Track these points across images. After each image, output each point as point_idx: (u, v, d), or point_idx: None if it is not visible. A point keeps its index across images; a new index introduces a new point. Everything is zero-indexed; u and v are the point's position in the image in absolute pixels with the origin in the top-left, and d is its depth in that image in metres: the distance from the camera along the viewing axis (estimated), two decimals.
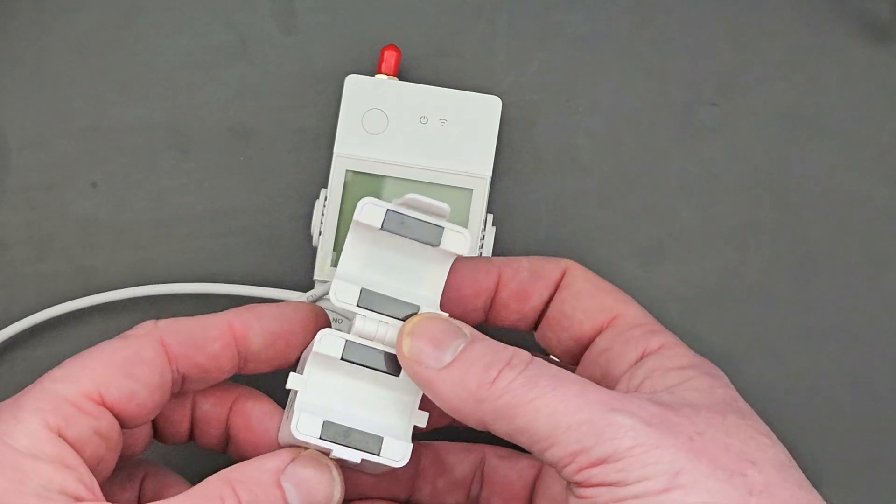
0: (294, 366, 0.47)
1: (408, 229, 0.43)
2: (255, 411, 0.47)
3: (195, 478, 0.44)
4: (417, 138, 0.52)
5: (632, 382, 0.44)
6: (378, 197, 0.44)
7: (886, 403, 0.54)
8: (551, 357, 0.49)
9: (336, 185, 0.51)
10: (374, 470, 0.46)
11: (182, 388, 0.46)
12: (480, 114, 0.52)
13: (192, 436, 0.48)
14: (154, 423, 0.47)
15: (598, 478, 0.39)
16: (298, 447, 0.44)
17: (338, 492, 0.44)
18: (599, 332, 0.47)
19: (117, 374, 0.43)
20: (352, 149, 0.52)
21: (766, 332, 0.54)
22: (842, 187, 0.54)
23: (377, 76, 0.52)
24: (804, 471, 0.43)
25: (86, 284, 0.53)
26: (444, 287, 0.45)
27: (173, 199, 0.53)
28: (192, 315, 0.46)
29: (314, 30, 0.54)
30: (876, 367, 0.54)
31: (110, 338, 0.45)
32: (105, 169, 0.54)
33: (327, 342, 0.44)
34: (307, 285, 0.52)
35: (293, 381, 0.44)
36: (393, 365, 0.44)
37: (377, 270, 0.45)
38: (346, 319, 0.49)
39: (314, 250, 0.52)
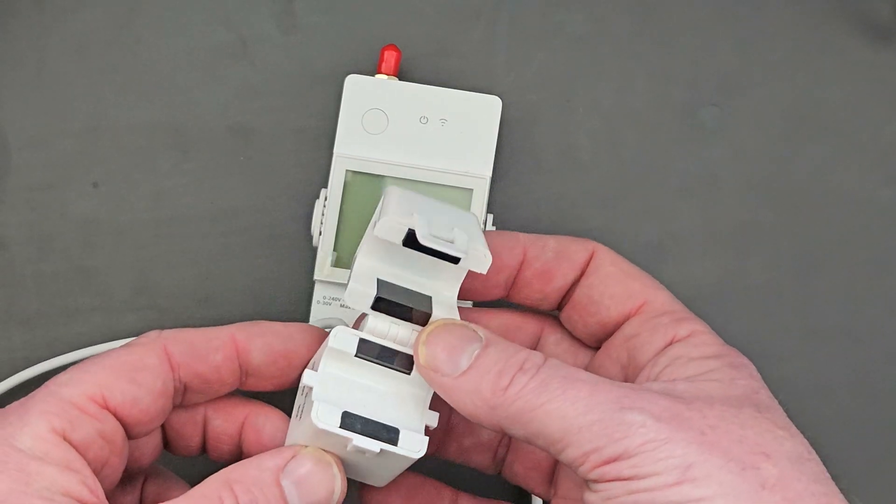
0: (296, 386, 0.47)
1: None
2: (266, 426, 0.47)
3: (197, 480, 0.44)
4: (417, 138, 0.52)
5: (654, 370, 0.44)
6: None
7: (887, 404, 0.54)
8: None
9: (336, 185, 0.51)
10: (379, 481, 0.46)
11: (184, 399, 0.46)
12: (480, 114, 0.52)
13: (204, 448, 0.48)
14: (165, 436, 0.47)
15: (612, 474, 0.40)
16: (299, 446, 0.44)
17: (339, 488, 0.43)
18: (627, 318, 0.47)
19: (120, 379, 0.44)
20: (352, 149, 0.52)
21: (766, 332, 0.54)
22: (842, 187, 0.54)
23: (377, 76, 0.52)
24: None
25: (86, 284, 0.53)
26: None
27: (173, 199, 0.54)
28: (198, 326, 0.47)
29: (314, 30, 0.54)
30: (876, 368, 0.54)
31: (111, 339, 0.45)
32: (105, 169, 0.54)
33: (341, 338, 0.44)
34: (307, 285, 0.52)
35: (308, 377, 0.44)
36: (405, 362, 0.44)
37: (393, 267, 0.45)
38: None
39: (314, 250, 0.52)
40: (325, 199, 0.51)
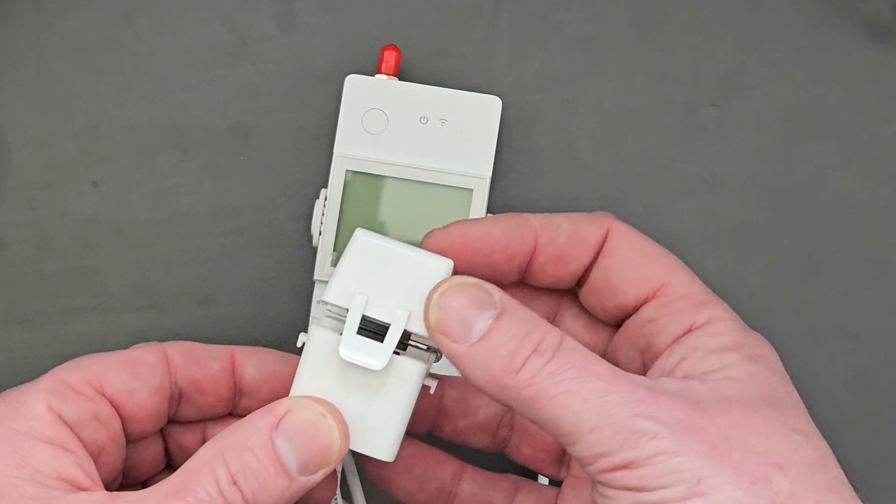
0: None
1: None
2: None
3: None
4: (417, 138, 0.52)
5: (670, 360, 0.43)
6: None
7: (887, 404, 0.54)
8: None
9: (336, 185, 0.51)
10: (384, 446, 0.44)
11: (179, 410, 0.46)
12: (480, 114, 0.52)
13: None
14: (169, 454, 0.47)
15: (621, 481, 0.39)
16: (293, 399, 0.43)
17: (337, 440, 0.42)
18: (644, 302, 0.45)
19: (119, 370, 0.44)
20: (352, 149, 0.52)
21: (766, 332, 0.54)
22: (842, 187, 0.54)
23: (377, 76, 0.52)
24: None
25: (86, 284, 0.53)
26: (475, 251, 0.44)
27: (173, 199, 0.53)
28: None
29: (314, 30, 0.54)
30: (876, 368, 0.54)
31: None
32: (105, 169, 0.54)
33: (321, 337, 0.43)
34: (307, 285, 0.52)
35: (302, 338, 0.43)
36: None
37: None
38: None
39: (314, 250, 0.52)
40: (325, 199, 0.51)
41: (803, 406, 0.42)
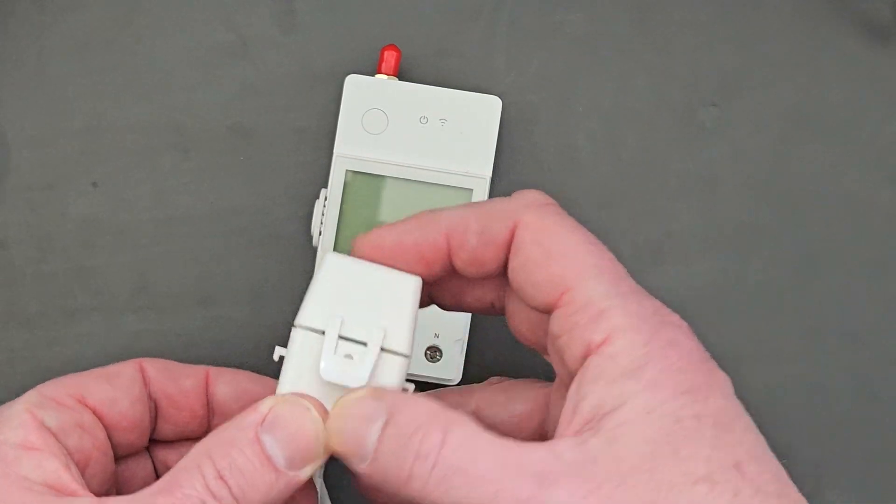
0: None
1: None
2: None
3: None
4: (417, 138, 0.52)
5: (573, 399, 0.40)
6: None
7: (887, 404, 0.54)
8: None
9: (336, 185, 0.51)
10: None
11: (157, 427, 0.46)
12: (480, 114, 0.52)
13: None
14: (157, 475, 0.47)
15: None
16: (279, 397, 0.42)
17: (322, 433, 0.41)
18: (553, 309, 0.41)
19: (98, 381, 0.45)
20: (352, 149, 0.52)
21: (766, 332, 0.54)
22: (842, 187, 0.54)
23: (377, 76, 0.52)
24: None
25: (86, 284, 0.53)
26: (394, 258, 0.43)
27: (173, 199, 0.53)
28: None
29: (314, 30, 0.54)
30: (877, 368, 0.54)
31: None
32: (105, 169, 0.54)
33: (302, 341, 0.43)
34: (307, 285, 0.52)
35: (279, 351, 0.43)
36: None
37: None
38: None
39: (314, 250, 0.52)
40: (325, 199, 0.51)
41: (712, 434, 0.39)
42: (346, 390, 0.42)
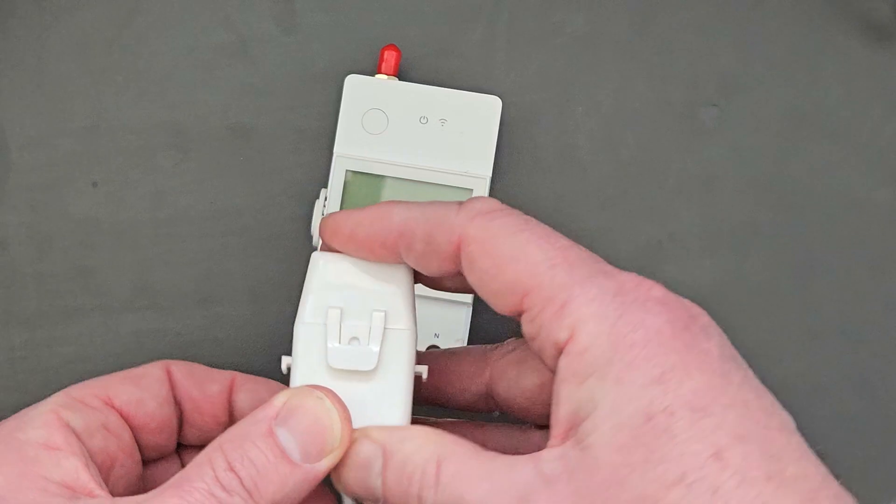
0: None
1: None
2: None
3: None
4: (417, 138, 0.52)
5: (554, 405, 0.40)
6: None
7: (887, 404, 0.54)
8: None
9: (336, 185, 0.51)
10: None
11: (183, 430, 0.46)
12: (480, 114, 0.52)
13: None
14: None
15: None
16: (292, 390, 0.42)
17: (337, 422, 0.41)
18: (520, 315, 0.40)
19: (125, 383, 0.45)
20: (352, 149, 0.52)
21: (766, 332, 0.54)
22: (842, 188, 0.54)
23: (377, 76, 0.52)
24: None
25: (86, 284, 0.53)
26: (353, 246, 0.43)
27: (173, 199, 0.54)
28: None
29: (314, 30, 0.54)
30: (877, 368, 0.54)
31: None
32: (105, 169, 0.54)
33: (308, 335, 0.43)
34: None
35: (286, 361, 0.44)
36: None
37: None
38: None
39: (314, 250, 0.52)
40: (325, 199, 0.51)
41: (683, 427, 0.37)
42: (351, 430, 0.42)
